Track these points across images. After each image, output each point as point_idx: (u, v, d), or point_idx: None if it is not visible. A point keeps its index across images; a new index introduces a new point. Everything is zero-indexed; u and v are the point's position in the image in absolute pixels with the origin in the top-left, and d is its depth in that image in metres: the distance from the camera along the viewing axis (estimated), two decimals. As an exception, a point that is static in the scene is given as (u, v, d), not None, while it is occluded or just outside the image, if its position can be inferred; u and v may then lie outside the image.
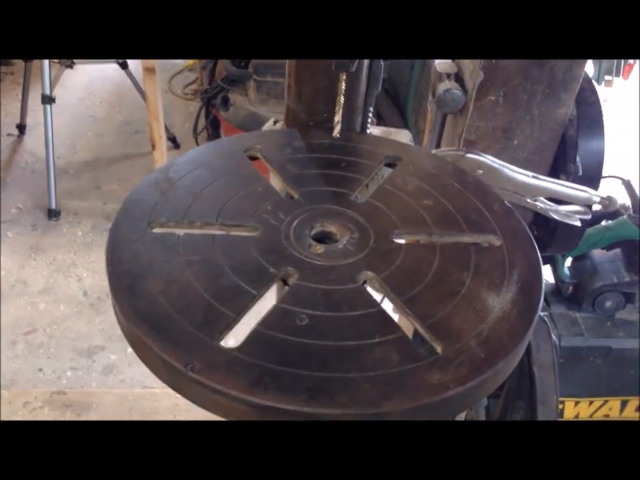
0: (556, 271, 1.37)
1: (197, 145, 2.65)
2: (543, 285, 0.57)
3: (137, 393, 1.68)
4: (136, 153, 2.82)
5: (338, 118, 0.68)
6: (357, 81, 0.73)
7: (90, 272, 2.21)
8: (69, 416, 1.61)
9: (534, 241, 0.61)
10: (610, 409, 1.43)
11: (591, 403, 1.44)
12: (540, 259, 0.59)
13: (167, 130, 2.68)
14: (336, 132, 0.70)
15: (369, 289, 0.57)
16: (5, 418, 1.53)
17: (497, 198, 0.67)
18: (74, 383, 1.92)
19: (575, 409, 1.42)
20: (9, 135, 2.84)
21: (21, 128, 2.80)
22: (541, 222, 1.13)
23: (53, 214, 2.43)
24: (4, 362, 1.92)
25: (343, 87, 0.66)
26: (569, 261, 1.39)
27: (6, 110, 3.00)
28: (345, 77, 0.65)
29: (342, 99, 0.66)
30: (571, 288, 1.39)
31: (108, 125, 3.00)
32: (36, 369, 1.93)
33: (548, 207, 0.86)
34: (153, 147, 2.24)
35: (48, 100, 2.34)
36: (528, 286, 0.57)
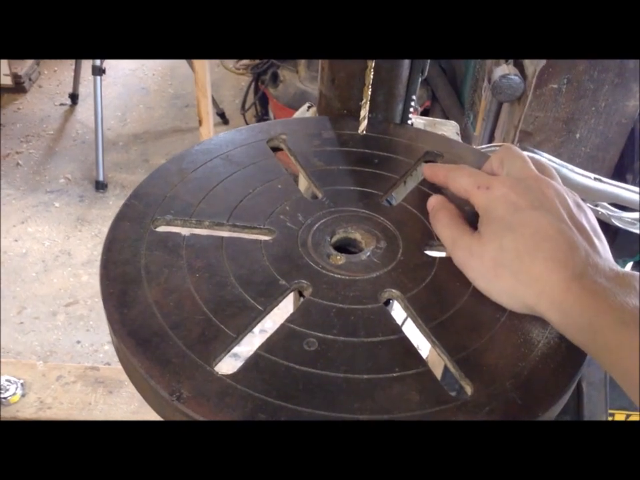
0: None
1: (245, 121, 2.60)
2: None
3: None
4: (185, 127, 2.79)
5: (364, 113, 0.59)
6: (399, 66, 0.65)
7: (132, 246, 2.20)
8: (100, 392, 1.60)
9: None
10: (663, 424, 1.33)
11: (643, 414, 1.35)
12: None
13: (216, 105, 2.64)
14: (362, 128, 0.62)
15: (392, 310, 0.49)
16: (38, 391, 1.53)
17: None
18: (110, 357, 1.93)
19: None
20: (61, 104, 2.86)
21: (74, 97, 2.81)
22: (601, 226, 1.03)
23: (100, 186, 2.43)
24: (43, 333, 1.94)
25: (371, 77, 0.58)
26: (629, 266, 1.29)
27: (59, 79, 3.02)
28: (372, 65, 0.57)
29: (369, 90, 0.58)
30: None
31: (159, 97, 2.99)
32: (74, 341, 1.94)
33: (610, 214, 0.77)
34: (200, 122, 2.20)
35: (98, 71, 2.32)
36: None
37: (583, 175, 0.74)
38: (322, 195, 0.58)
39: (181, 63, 2.93)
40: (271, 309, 0.48)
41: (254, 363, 0.44)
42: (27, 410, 1.49)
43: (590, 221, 0.49)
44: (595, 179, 0.75)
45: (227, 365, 0.46)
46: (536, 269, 0.44)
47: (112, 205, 2.41)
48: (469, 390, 0.43)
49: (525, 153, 0.75)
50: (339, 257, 0.52)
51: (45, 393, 1.57)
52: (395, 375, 0.43)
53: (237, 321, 0.46)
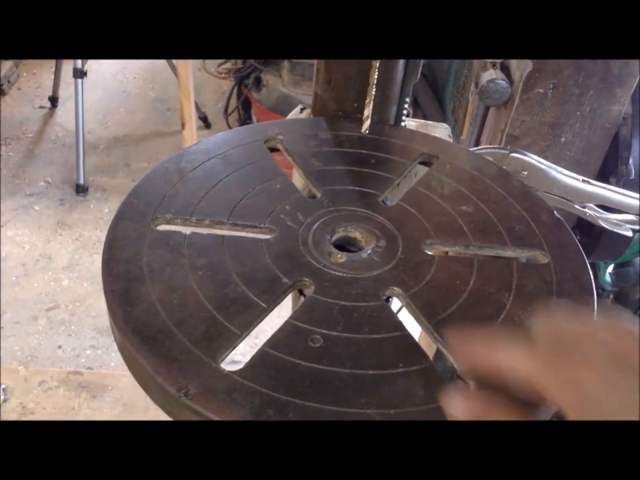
0: (597, 278, 1.29)
1: (228, 125, 2.60)
2: (596, 312, 0.50)
3: (154, 377, 1.65)
4: (167, 130, 2.78)
5: (368, 112, 0.60)
6: (394, 68, 0.66)
7: (114, 250, 2.18)
8: (84, 397, 1.59)
9: (586, 260, 0.53)
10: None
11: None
12: (592, 281, 0.52)
13: (199, 109, 2.63)
14: (365, 127, 0.63)
15: (394, 308, 0.50)
16: (20, 396, 1.51)
17: (545, 207, 0.59)
18: (93, 362, 1.90)
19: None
20: (40, 107, 2.82)
21: (53, 100, 2.78)
22: (585, 227, 1.05)
23: (80, 189, 2.41)
24: (24, 337, 1.91)
25: (375, 76, 0.58)
26: (610, 268, 1.31)
27: (39, 82, 2.98)
28: (377, 65, 0.58)
29: (373, 89, 0.59)
30: (611, 296, 1.32)
31: (140, 101, 2.97)
32: (56, 345, 1.92)
33: (597, 215, 0.78)
34: (183, 126, 2.19)
35: (79, 74, 2.30)
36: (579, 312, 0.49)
37: (571, 177, 0.76)
38: (320, 194, 0.59)
39: (162, 67, 2.91)
40: (274, 307, 0.49)
41: (260, 359, 0.44)
42: (10, 415, 1.47)
43: None
44: (583, 180, 0.76)
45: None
46: None
47: (93, 208, 2.38)
48: (472, 385, 0.44)
49: (513, 154, 0.77)
50: (340, 256, 0.52)
51: (27, 398, 1.55)
52: (399, 370, 0.44)
53: (241, 319, 0.47)
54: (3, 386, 1.51)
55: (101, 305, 2.05)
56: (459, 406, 0.38)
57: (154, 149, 2.67)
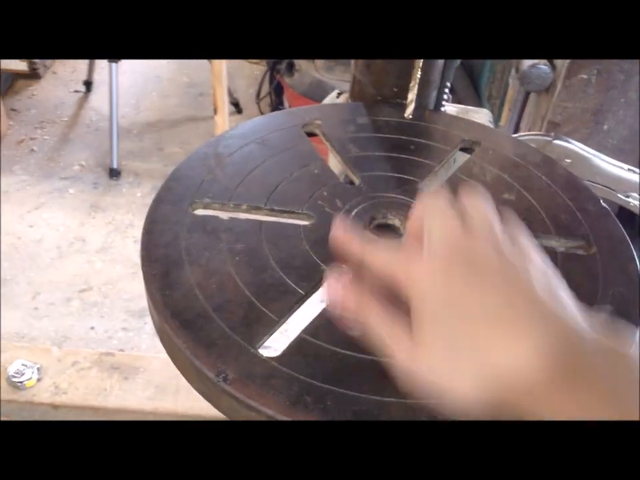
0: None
1: (260, 111, 2.59)
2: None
3: (185, 360, 1.67)
4: (199, 115, 2.79)
5: (412, 96, 0.59)
6: (434, 52, 0.64)
7: (147, 234, 2.20)
8: (116, 378, 1.61)
9: (634, 252, 0.52)
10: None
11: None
12: (640, 273, 0.50)
13: (231, 94, 2.63)
14: (409, 112, 0.62)
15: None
16: (53, 376, 1.54)
17: (591, 196, 0.57)
18: (124, 343, 1.93)
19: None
20: (75, 91, 2.85)
21: (88, 85, 2.80)
22: (626, 218, 1.02)
23: (114, 173, 2.43)
24: (58, 318, 1.95)
25: (422, 60, 0.57)
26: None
27: (73, 66, 3.01)
28: (423, 47, 0.57)
29: (419, 73, 0.58)
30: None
31: (173, 86, 2.98)
32: (88, 327, 1.95)
33: (642, 205, 0.76)
34: (215, 111, 2.20)
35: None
36: (625, 305, 0.48)
37: (616, 166, 0.74)
38: (359, 180, 0.58)
39: (195, 52, 2.91)
40: (312, 293, 0.48)
41: (298, 346, 0.44)
42: (43, 394, 1.50)
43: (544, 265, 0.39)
44: (629, 169, 0.74)
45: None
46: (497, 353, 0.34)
47: (125, 192, 2.41)
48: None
49: (556, 141, 0.75)
50: (378, 243, 0.52)
51: (60, 378, 1.57)
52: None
53: (279, 305, 0.46)
54: (37, 365, 1.54)
55: (133, 287, 2.08)
56: (334, 290, 0.41)
57: (186, 133, 2.68)
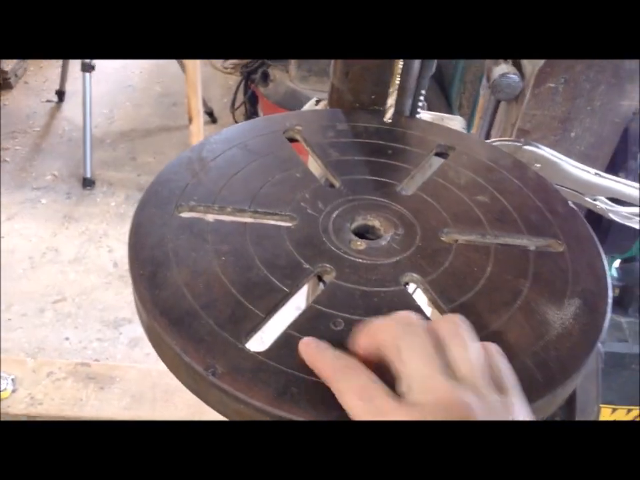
0: (603, 273, 1.30)
1: (234, 120, 2.60)
2: (610, 300, 0.51)
3: (161, 369, 1.66)
4: (173, 125, 2.79)
5: (391, 101, 0.61)
6: (411, 61, 0.67)
7: (121, 243, 2.19)
8: (92, 388, 1.60)
9: (601, 249, 0.55)
10: (648, 419, 1.37)
11: (629, 411, 1.38)
12: (607, 269, 0.53)
13: (205, 104, 2.64)
14: (388, 116, 0.64)
15: (412, 293, 0.51)
16: (28, 387, 1.52)
17: (560, 198, 0.60)
18: (99, 354, 1.92)
19: (612, 416, 1.36)
20: (47, 101, 2.83)
21: (60, 94, 2.79)
22: (594, 221, 1.06)
23: (87, 183, 2.42)
24: (31, 329, 1.93)
25: (400, 66, 0.60)
26: (616, 263, 1.32)
27: (45, 75, 2.99)
28: (401, 55, 0.59)
29: (397, 79, 0.60)
30: (617, 291, 1.33)
31: (146, 95, 2.98)
32: (62, 338, 1.93)
33: (608, 208, 0.79)
34: (190, 120, 2.20)
35: (87, 67, 2.31)
36: (593, 299, 0.50)
37: (583, 170, 0.77)
38: (339, 183, 0.60)
39: (168, 62, 2.92)
40: (297, 291, 0.50)
41: (284, 341, 0.45)
42: (18, 406, 1.49)
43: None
44: (595, 174, 0.77)
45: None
46: None
47: (99, 202, 2.40)
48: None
49: (526, 147, 0.78)
50: (359, 243, 0.54)
51: (35, 389, 1.56)
52: (420, 353, 0.45)
53: (265, 302, 0.48)
54: (11, 377, 1.52)
55: (107, 298, 2.06)
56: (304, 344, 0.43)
57: (160, 143, 2.68)
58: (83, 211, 2.36)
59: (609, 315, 0.49)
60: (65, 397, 1.55)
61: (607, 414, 1.36)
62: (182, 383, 0.46)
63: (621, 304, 1.30)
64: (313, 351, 0.43)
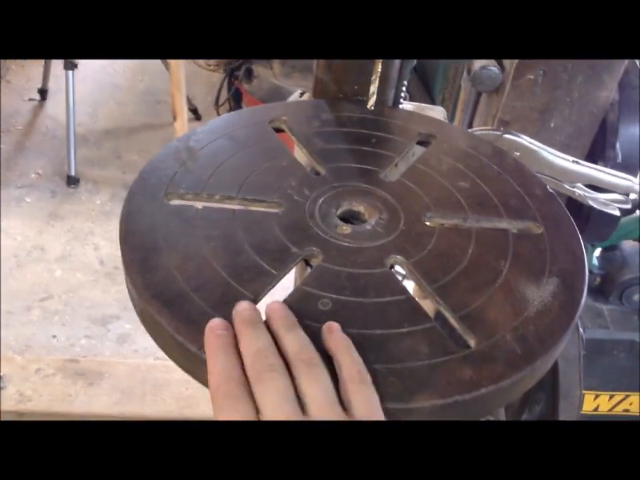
0: (584, 261, 1.33)
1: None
2: (587, 278, 0.53)
3: (150, 364, 1.67)
4: (157, 123, 2.79)
5: (373, 89, 0.63)
6: (392, 52, 0.68)
7: (107, 241, 2.19)
8: (80, 384, 1.60)
9: (577, 230, 0.57)
10: (630, 404, 1.39)
11: (611, 396, 1.41)
12: (584, 249, 0.55)
13: (189, 101, 2.64)
14: (371, 103, 0.66)
15: (398, 275, 0.53)
16: (17, 384, 1.53)
17: (538, 182, 0.62)
18: (87, 351, 1.92)
19: (594, 402, 1.39)
20: (30, 99, 2.82)
21: (43, 93, 2.77)
22: (574, 209, 1.08)
23: (72, 181, 2.41)
24: (18, 327, 1.92)
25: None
26: (597, 251, 1.35)
27: (28, 74, 2.98)
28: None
29: (379, 67, 0.62)
30: (598, 279, 1.35)
31: (130, 93, 2.97)
32: (50, 335, 1.93)
33: (586, 194, 0.82)
34: (174, 117, 2.21)
35: (70, 65, 2.30)
36: (570, 278, 0.52)
37: (561, 158, 0.79)
38: (325, 171, 0.62)
39: (151, 60, 2.92)
40: (285, 274, 0.51)
41: (274, 321, 0.47)
42: (7, 402, 1.49)
43: None
44: (573, 161, 0.80)
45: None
46: None
47: (84, 200, 2.39)
48: (472, 343, 0.47)
49: (506, 135, 0.80)
50: (345, 227, 0.55)
51: (24, 386, 1.56)
52: (404, 330, 0.47)
53: (254, 285, 0.49)
54: (0, 374, 1.52)
55: (95, 295, 2.06)
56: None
57: (145, 141, 2.67)
58: (68, 209, 2.35)
59: (585, 291, 0.51)
60: (54, 393, 1.55)
61: (589, 400, 1.38)
62: (175, 362, 0.47)
63: (602, 292, 1.33)
64: (209, 330, 0.44)
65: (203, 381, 0.45)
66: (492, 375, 0.45)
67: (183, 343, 0.44)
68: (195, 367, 0.45)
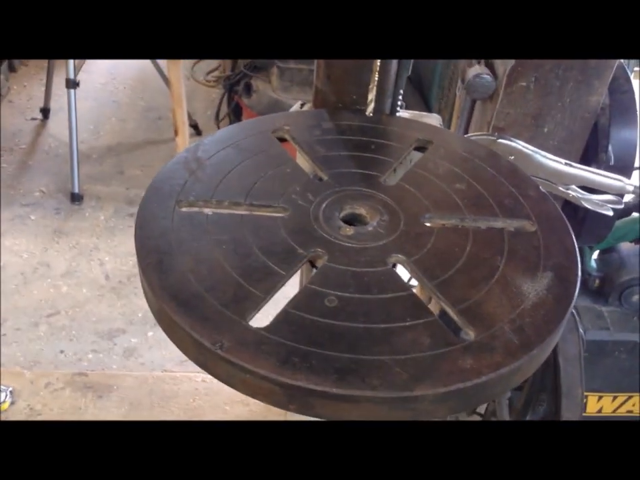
0: (582, 264, 1.35)
1: (219, 131, 2.64)
2: (579, 272, 0.55)
3: (157, 376, 1.69)
4: (159, 138, 2.82)
5: (371, 96, 0.66)
6: (388, 63, 0.72)
7: (112, 256, 2.22)
8: (90, 397, 1.62)
9: (569, 227, 0.59)
10: (634, 405, 1.40)
11: (614, 398, 1.42)
12: (576, 245, 0.58)
13: (189, 117, 2.68)
14: (369, 111, 0.69)
15: (400, 272, 0.56)
16: (27, 398, 1.55)
17: (531, 183, 0.65)
18: (95, 365, 1.94)
19: (598, 404, 1.40)
20: (32, 119, 2.86)
21: (45, 112, 2.81)
22: (570, 212, 1.11)
23: (75, 198, 2.44)
24: (26, 343, 1.94)
25: (378, 64, 0.65)
26: (595, 254, 1.37)
27: (30, 94, 3.02)
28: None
29: (376, 76, 0.65)
30: (597, 281, 1.37)
31: (131, 110, 3.01)
32: (57, 350, 1.95)
33: (580, 196, 0.85)
34: (176, 133, 2.24)
35: (72, 84, 2.34)
36: (564, 272, 0.55)
37: (554, 160, 0.82)
38: (327, 177, 0.64)
39: (152, 77, 2.95)
40: (293, 274, 0.54)
41: (283, 318, 0.50)
42: (18, 417, 1.51)
43: None
44: (566, 164, 0.82)
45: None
46: None
47: (88, 216, 2.42)
48: (472, 334, 0.50)
49: (500, 140, 0.83)
50: (348, 229, 0.58)
51: (34, 400, 1.58)
52: (407, 323, 0.50)
53: (264, 284, 0.52)
54: (9, 388, 1.54)
55: (101, 310, 2.09)
56: None
57: (147, 156, 2.71)
58: (72, 225, 2.38)
59: (578, 284, 0.54)
60: (64, 406, 1.58)
61: (593, 401, 1.39)
62: (191, 359, 0.50)
63: (601, 293, 1.35)
64: None
65: (219, 375, 0.48)
66: (491, 363, 0.47)
67: (198, 340, 0.47)
68: (211, 362, 0.48)
